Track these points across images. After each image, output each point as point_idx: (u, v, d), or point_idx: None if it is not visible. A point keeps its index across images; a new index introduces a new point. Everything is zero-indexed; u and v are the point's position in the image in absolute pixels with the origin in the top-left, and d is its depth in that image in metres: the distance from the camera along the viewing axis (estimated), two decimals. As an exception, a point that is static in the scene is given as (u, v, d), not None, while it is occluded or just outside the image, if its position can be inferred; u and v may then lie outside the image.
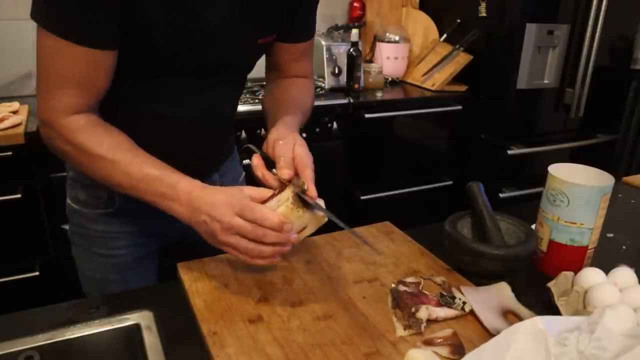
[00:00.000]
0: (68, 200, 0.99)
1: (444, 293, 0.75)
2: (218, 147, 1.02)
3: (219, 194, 0.71)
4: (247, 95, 2.04)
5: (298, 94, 0.99)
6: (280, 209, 0.69)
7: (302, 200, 0.71)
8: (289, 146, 0.76)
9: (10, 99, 1.92)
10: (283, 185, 0.73)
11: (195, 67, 0.83)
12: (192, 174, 0.79)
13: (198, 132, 0.91)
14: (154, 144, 0.81)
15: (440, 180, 2.44)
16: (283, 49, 0.98)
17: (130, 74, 0.79)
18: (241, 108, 1.85)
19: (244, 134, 1.88)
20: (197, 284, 0.78)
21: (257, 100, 1.99)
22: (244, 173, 1.15)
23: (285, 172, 0.73)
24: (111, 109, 0.82)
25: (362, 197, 2.21)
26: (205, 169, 0.99)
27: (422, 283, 0.79)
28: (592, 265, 0.84)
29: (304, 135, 1.91)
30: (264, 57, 1.00)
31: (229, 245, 0.70)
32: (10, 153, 1.61)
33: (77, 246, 1.00)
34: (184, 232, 0.90)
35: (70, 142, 0.75)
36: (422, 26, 2.50)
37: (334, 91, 2.21)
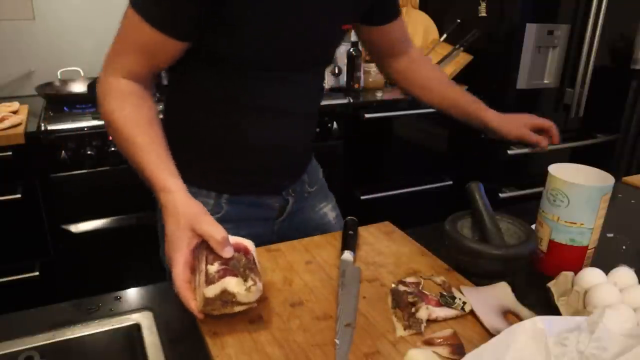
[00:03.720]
0: None
1: (444, 293, 0.75)
2: (307, 143, 1.05)
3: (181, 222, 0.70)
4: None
5: (444, 77, 1.15)
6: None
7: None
8: (519, 119, 1.06)
9: (10, 99, 1.93)
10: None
11: (284, 60, 0.86)
12: (293, 174, 0.97)
13: (290, 126, 0.95)
14: (252, 138, 0.90)
15: (440, 180, 2.44)
16: (385, 30, 1.04)
17: (230, 69, 0.85)
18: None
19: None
20: (197, 284, 0.78)
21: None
22: (321, 169, 1.17)
23: (226, 251, 0.68)
24: (215, 103, 0.89)
25: (362, 197, 2.21)
26: (302, 167, 1.06)
27: (422, 283, 0.79)
28: (592, 265, 0.84)
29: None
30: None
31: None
32: (10, 153, 1.61)
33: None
34: (281, 235, 1.02)
35: (104, 99, 0.80)
36: (422, 26, 2.50)
37: (334, 91, 2.21)
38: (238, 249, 0.70)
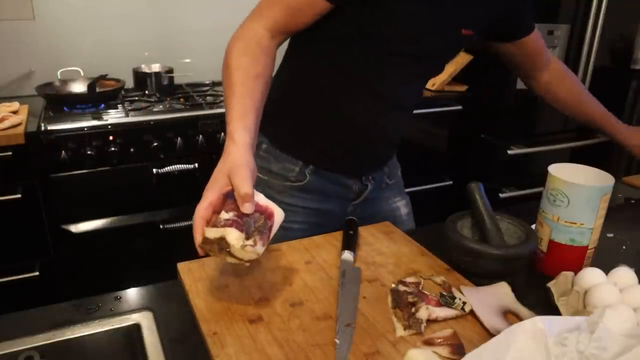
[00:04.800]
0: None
1: (444, 293, 0.75)
2: (397, 136, 1.09)
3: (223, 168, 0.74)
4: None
5: (584, 91, 1.20)
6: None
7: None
8: None
9: (10, 99, 1.93)
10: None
11: (414, 46, 0.90)
12: (380, 162, 1.06)
13: (391, 115, 1.00)
14: (354, 118, 0.96)
15: (440, 180, 2.44)
16: (523, 44, 1.08)
17: (360, 47, 0.90)
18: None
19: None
20: (197, 284, 0.78)
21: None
22: (399, 166, 1.23)
23: (246, 207, 0.69)
24: (330, 77, 0.94)
25: (362, 197, 2.21)
26: (389, 157, 1.13)
27: (422, 283, 0.79)
28: (592, 265, 0.84)
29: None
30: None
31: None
32: (10, 153, 1.61)
33: None
34: (355, 215, 1.05)
35: (237, 42, 0.85)
36: (422, 26, 2.49)
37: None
38: (264, 210, 0.71)
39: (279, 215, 0.73)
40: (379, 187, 1.12)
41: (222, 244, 0.66)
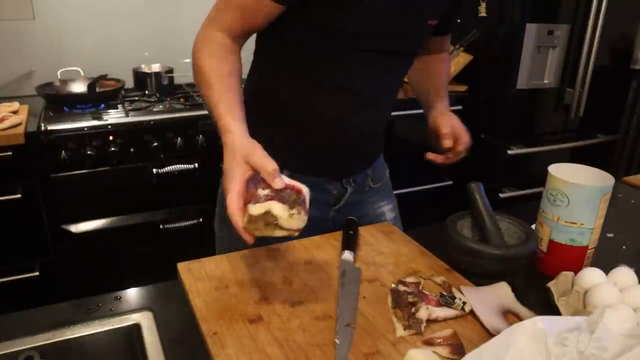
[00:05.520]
0: (221, 190, 1.03)
1: (444, 293, 0.75)
2: (376, 133, 1.07)
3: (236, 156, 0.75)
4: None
5: (444, 70, 1.15)
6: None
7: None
8: (450, 120, 1.03)
9: (10, 99, 1.93)
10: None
11: (379, 41, 0.90)
12: (360, 163, 1.02)
13: (372, 114, 1.00)
14: (323, 115, 0.94)
15: (440, 180, 2.44)
16: (434, 40, 1.08)
17: (324, 45, 0.89)
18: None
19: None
20: (197, 284, 0.78)
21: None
22: (387, 168, 1.20)
23: (277, 182, 0.70)
24: (295, 76, 0.93)
25: (362, 197, 2.21)
26: (371, 158, 1.10)
27: (422, 283, 0.79)
28: (592, 265, 0.84)
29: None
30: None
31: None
32: (10, 153, 1.61)
33: (227, 227, 1.03)
34: (336, 223, 1.04)
35: (198, 49, 0.87)
36: (422, 26, 2.50)
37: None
38: (292, 187, 0.72)
39: (306, 190, 0.73)
40: (361, 191, 1.09)
41: (267, 219, 0.67)
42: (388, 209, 1.16)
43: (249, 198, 0.71)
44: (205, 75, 0.84)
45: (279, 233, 0.68)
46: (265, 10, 0.86)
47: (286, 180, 0.72)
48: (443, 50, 1.16)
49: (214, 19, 0.89)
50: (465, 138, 1.03)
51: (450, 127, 1.03)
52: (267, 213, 0.67)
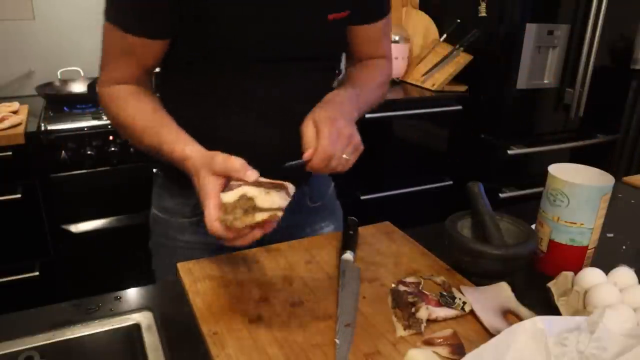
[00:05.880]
0: (153, 210, 0.98)
1: (444, 293, 0.75)
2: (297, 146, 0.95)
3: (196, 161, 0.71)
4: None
5: (362, 74, 0.95)
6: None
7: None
8: (308, 125, 0.76)
9: (10, 99, 1.93)
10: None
11: (264, 49, 0.82)
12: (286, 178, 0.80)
13: (282, 129, 0.86)
14: (232, 137, 0.85)
15: (440, 180, 2.44)
16: (357, 32, 0.94)
17: (199, 65, 0.83)
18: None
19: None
20: (197, 284, 0.78)
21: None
22: (332, 183, 1.10)
23: (250, 175, 0.67)
24: (189, 103, 0.87)
25: (362, 197, 2.21)
26: (298, 174, 0.95)
27: (422, 283, 0.79)
28: (592, 265, 0.84)
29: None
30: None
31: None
32: (10, 153, 1.61)
33: (160, 257, 0.99)
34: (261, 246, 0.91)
35: (107, 109, 0.83)
36: (422, 26, 2.50)
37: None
38: (271, 183, 0.68)
39: (289, 185, 0.69)
40: (298, 211, 0.98)
41: (244, 205, 0.63)
42: (330, 230, 1.07)
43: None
44: (130, 128, 0.80)
45: (260, 216, 0.63)
46: (148, 49, 0.81)
47: (263, 180, 0.68)
48: (379, 54, 0.99)
49: (104, 80, 0.84)
50: (324, 145, 0.74)
51: (312, 124, 0.77)
52: (242, 197, 0.63)
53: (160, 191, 0.97)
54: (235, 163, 0.67)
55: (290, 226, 0.95)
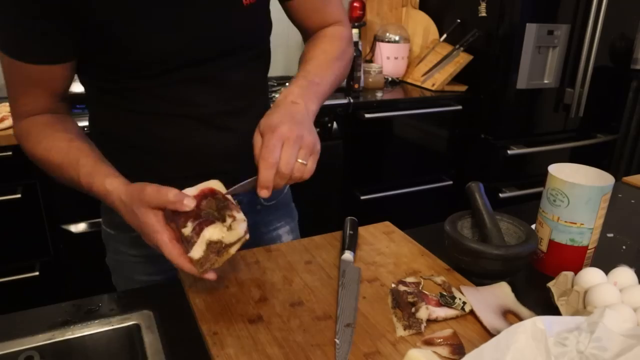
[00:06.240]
0: (103, 226, 0.96)
1: (444, 293, 0.75)
2: (234, 146, 0.89)
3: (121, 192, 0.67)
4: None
5: (316, 51, 0.86)
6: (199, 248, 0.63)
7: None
8: (256, 136, 0.70)
9: (10, 99, 1.92)
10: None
11: (183, 52, 0.75)
12: (232, 181, 0.75)
13: (221, 130, 0.84)
14: (173, 146, 0.81)
15: (440, 180, 2.44)
16: (294, 6, 0.88)
17: (124, 80, 0.77)
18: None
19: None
20: (197, 284, 0.78)
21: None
22: (287, 185, 1.05)
23: (187, 204, 0.64)
24: (123, 119, 0.81)
25: (362, 197, 2.21)
26: (245, 174, 0.89)
27: (422, 283, 0.79)
28: (592, 265, 0.84)
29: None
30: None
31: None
32: (10, 153, 1.61)
33: (117, 274, 0.97)
34: None
35: (23, 145, 0.78)
36: (422, 26, 2.50)
37: (334, 91, 2.21)
38: (203, 194, 0.66)
39: (217, 184, 0.69)
40: (252, 211, 0.94)
41: (214, 248, 0.63)
42: (285, 231, 1.03)
43: (178, 238, 0.65)
44: (47, 163, 0.75)
45: (234, 249, 0.64)
46: (52, 75, 0.75)
47: (192, 191, 0.66)
48: (330, 21, 0.91)
49: (17, 114, 0.78)
50: (265, 156, 0.67)
51: (259, 134, 0.70)
52: (210, 244, 0.62)
53: (106, 206, 0.85)
54: (169, 195, 0.63)
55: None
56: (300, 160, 0.68)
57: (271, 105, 0.78)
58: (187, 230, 0.63)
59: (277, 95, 2.05)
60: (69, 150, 0.74)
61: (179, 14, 0.73)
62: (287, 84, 2.24)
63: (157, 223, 0.64)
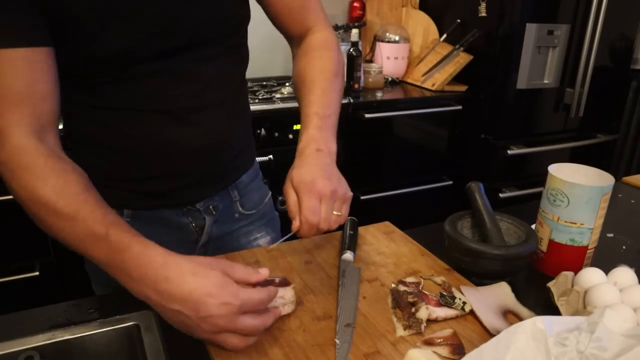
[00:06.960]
0: None
1: (444, 293, 0.75)
2: (226, 147, 0.88)
3: (194, 282, 0.60)
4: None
5: (314, 73, 0.84)
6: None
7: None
8: (289, 191, 0.71)
9: (10, 99, 1.92)
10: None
11: (151, 45, 0.72)
12: (204, 182, 0.74)
13: (192, 126, 0.80)
14: (147, 144, 0.79)
15: (440, 180, 2.44)
16: (271, 3, 0.85)
17: (92, 77, 0.74)
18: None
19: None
20: (197, 284, 0.78)
21: (257, 100, 1.99)
22: (270, 193, 1.04)
23: (262, 272, 0.65)
24: (96, 118, 0.78)
25: (362, 197, 2.22)
26: (218, 175, 0.89)
27: (422, 283, 0.79)
28: (592, 265, 0.84)
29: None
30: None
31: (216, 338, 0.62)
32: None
33: (95, 279, 0.95)
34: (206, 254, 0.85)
35: (9, 183, 0.68)
36: (422, 26, 2.50)
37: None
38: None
39: (264, 272, 0.69)
40: (229, 219, 0.94)
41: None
42: (266, 242, 1.00)
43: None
44: (54, 212, 0.67)
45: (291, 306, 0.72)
46: (41, 64, 0.67)
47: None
48: (310, 23, 0.88)
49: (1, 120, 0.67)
50: (307, 216, 0.68)
51: (292, 190, 0.71)
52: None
53: None
54: (249, 271, 0.65)
55: (224, 235, 0.94)
56: (336, 212, 0.71)
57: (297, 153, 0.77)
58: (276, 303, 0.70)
59: (276, 95, 2.06)
60: (78, 201, 0.67)
61: (153, 8, 0.70)
62: (287, 84, 2.24)
63: (232, 297, 0.61)
